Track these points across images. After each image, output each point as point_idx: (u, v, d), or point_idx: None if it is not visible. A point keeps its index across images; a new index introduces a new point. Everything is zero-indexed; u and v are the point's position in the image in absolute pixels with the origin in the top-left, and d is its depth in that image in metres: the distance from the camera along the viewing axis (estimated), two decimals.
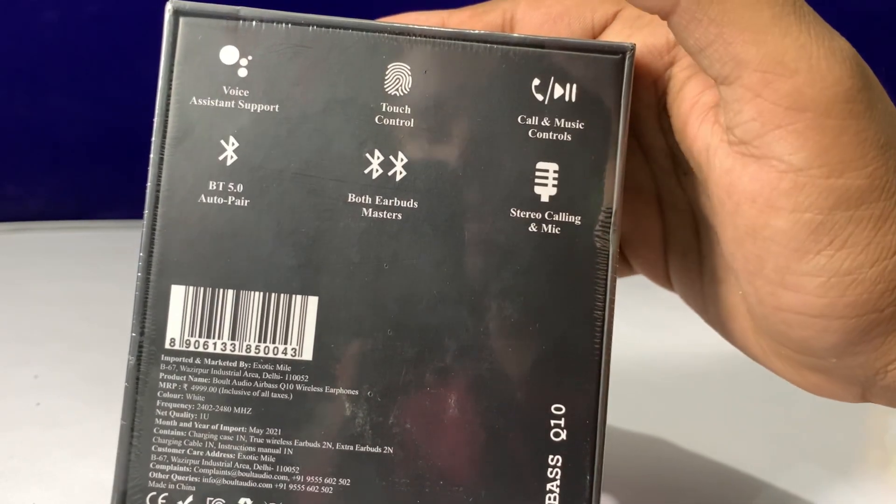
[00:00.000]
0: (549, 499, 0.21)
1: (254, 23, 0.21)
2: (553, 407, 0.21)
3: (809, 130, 0.18)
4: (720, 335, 0.24)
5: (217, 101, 0.21)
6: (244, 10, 0.21)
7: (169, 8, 0.21)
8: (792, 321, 0.20)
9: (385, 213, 0.21)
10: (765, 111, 0.18)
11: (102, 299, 0.41)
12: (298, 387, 0.21)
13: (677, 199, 0.24)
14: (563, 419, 0.21)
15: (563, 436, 0.21)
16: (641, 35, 0.22)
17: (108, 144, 0.51)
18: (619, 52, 0.21)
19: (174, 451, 0.21)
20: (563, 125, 0.21)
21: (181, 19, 0.21)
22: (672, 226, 0.25)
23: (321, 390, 0.21)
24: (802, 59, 0.18)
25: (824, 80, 0.18)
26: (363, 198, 0.21)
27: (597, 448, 0.21)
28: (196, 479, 0.20)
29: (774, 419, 0.34)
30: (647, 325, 0.42)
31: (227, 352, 0.21)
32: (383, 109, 0.21)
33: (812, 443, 0.32)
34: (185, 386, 0.21)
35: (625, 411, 0.30)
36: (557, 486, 0.21)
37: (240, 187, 0.21)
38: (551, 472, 0.21)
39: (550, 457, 0.21)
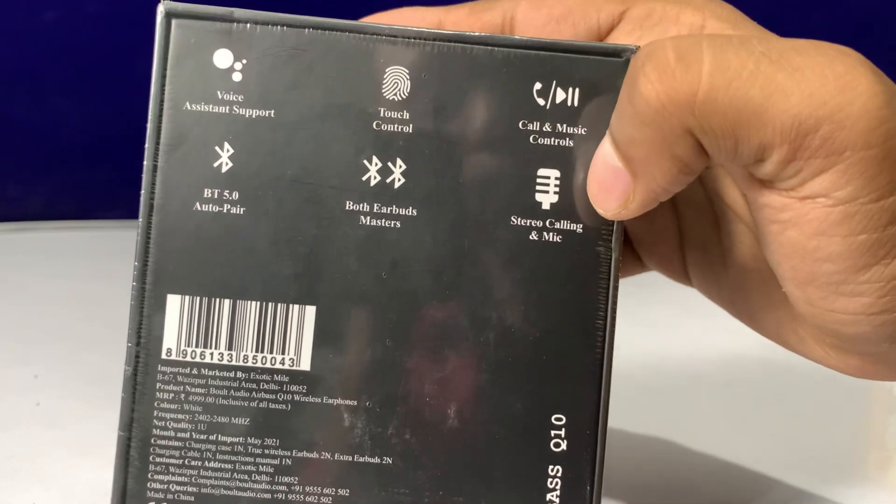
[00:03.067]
0: None
1: (248, 25, 0.20)
2: (553, 417, 0.21)
3: (853, 167, 0.17)
4: (748, 325, 0.24)
5: (211, 106, 0.20)
6: (238, 12, 0.20)
7: (161, 10, 0.20)
8: (847, 321, 0.19)
9: (383, 220, 0.21)
10: (804, 166, 0.17)
11: (102, 299, 0.41)
12: (297, 397, 0.20)
13: (694, 193, 0.24)
14: (563, 429, 0.21)
15: (564, 446, 0.21)
16: (651, 35, 0.22)
17: (108, 144, 0.51)
18: (622, 55, 0.20)
19: (172, 461, 0.20)
20: (565, 130, 0.21)
21: (173, 21, 0.20)
22: (689, 221, 0.24)
23: (319, 401, 0.20)
24: (819, 108, 0.17)
25: (850, 116, 0.17)
26: (361, 205, 0.20)
27: (597, 458, 0.21)
28: (195, 490, 0.20)
29: (774, 420, 0.34)
30: (647, 325, 0.42)
31: (225, 362, 0.20)
32: (381, 115, 0.20)
33: (812, 443, 0.32)
34: (183, 396, 0.20)
35: (624, 412, 0.30)
36: (557, 497, 0.20)
37: (235, 195, 0.20)
38: (551, 483, 0.21)
39: (551, 467, 0.21)
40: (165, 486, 0.20)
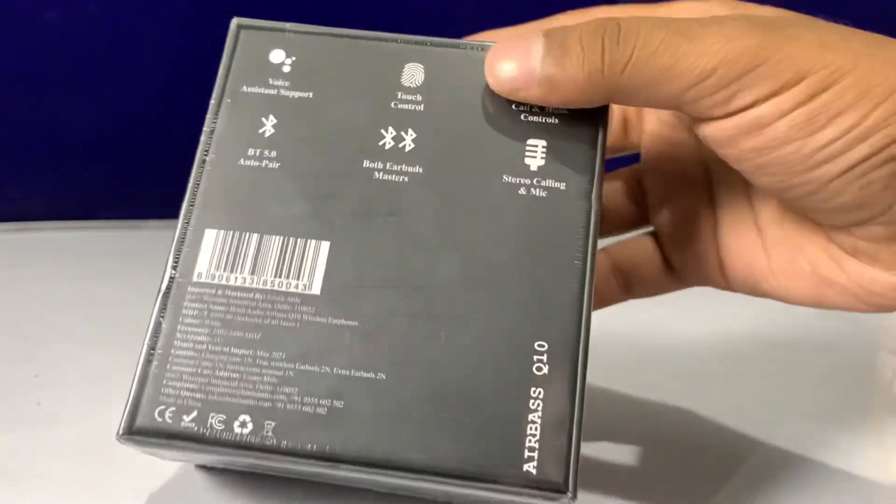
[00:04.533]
0: (531, 429, 0.22)
1: (298, 34, 0.26)
2: (536, 343, 0.22)
3: (756, 79, 0.22)
4: (782, 298, 0.27)
5: (263, 89, 0.25)
6: (289, 26, 0.26)
7: (234, 23, 0.26)
8: (839, 187, 0.22)
9: (394, 176, 0.24)
10: (718, 99, 0.22)
11: (103, 299, 0.41)
12: (305, 316, 0.23)
13: (730, 174, 0.27)
14: (545, 355, 0.22)
15: (545, 370, 0.22)
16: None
17: (108, 145, 0.51)
18: None
19: (187, 369, 0.22)
20: (551, 111, 0.24)
21: (241, 31, 0.26)
22: (725, 201, 0.28)
23: (325, 320, 0.23)
24: (709, 60, 0.22)
25: (734, 57, 0.22)
26: (376, 163, 0.24)
27: (577, 384, 0.22)
28: (202, 396, 0.22)
29: (773, 418, 0.34)
30: (647, 325, 0.42)
31: (247, 284, 0.23)
32: (398, 97, 0.25)
33: (812, 442, 0.32)
34: (206, 312, 0.23)
35: (616, 375, 0.30)
36: (539, 417, 0.22)
37: (273, 153, 0.24)
38: (533, 404, 0.22)
39: (533, 389, 0.22)
40: (177, 391, 0.22)
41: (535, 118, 0.24)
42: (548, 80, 0.23)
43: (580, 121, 0.24)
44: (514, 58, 0.23)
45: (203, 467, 0.27)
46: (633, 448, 0.30)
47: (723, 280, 0.28)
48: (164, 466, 0.27)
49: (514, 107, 0.24)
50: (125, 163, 0.52)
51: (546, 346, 0.22)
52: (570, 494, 0.21)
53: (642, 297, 0.31)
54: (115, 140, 0.51)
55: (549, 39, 0.23)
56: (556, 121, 0.24)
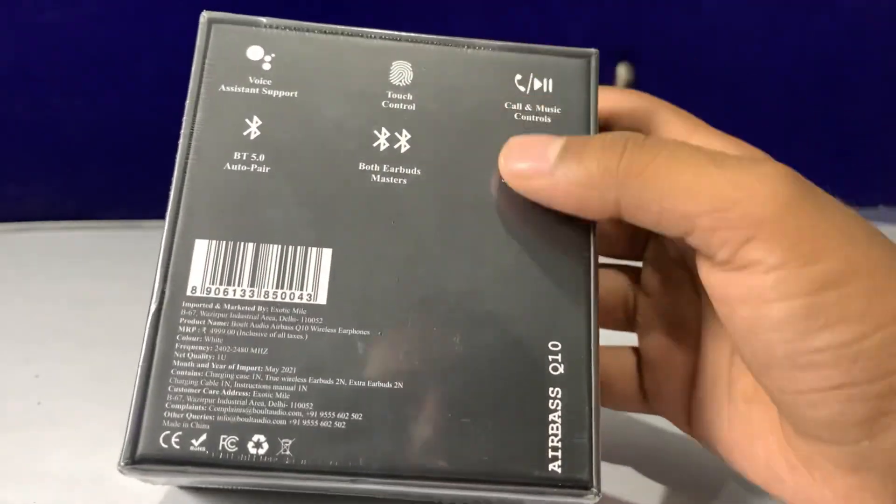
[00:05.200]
0: (552, 428, 0.22)
1: (275, 29, 0.24)
2: (550, 343, 0.22)
3: (774, 235, 0.20)
4: (746, 473, 0.24)
5: (243, 87, 0.24)
6: (265, 20, 0.24)
7: (203, 17, 0.24)
8: (816, 401, 0.20)
9: (392, 178, 0.23)
10: (730, 237, 0.20)
11: (102, 299, 0.41)
12: (314, 328, 0.22)
13: (720, 327, 0.25)
14: (559, 354, 0.22)
15: (561, 369, 0.22)
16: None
17: (108, 145, 0.51)
18: (585, 56, 0.25)
19: (190, 391, 0.21)
20: (542, 110, 0.24)
21: (213, 26, 0.24)
22: (709, 356, 0.26)
23: (335, 331, 0.22)
24: (736, 190, 0.20)
25: (764, 197, 0.20)
26: (372, 166, 0.23)
27: (592, 379, 0.22)
28: (210, 418, 0.21)
29: None
30: None
31: (247, 297, 0.22)
32: (389, 96, 0.24)
33: None
34: (204, 329, 0.22)
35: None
36: (559, 416, 0.22)
37: (262, 157, 0.23)
38: (552, 403, 0.22)
39: (551, 389, 0.22)
40: (182, 414, 0.21)
41: (529, 117, 0.24)
42: (562, 172, 0.22)
43: (571, 119, 0.24)
44: (531, 151, 0.23)
45: (190, 488, 0.26)
46: (634, 445, 0.30)
47: (687, 427, 0.27)
48: None
49: (506, 105, 0.24)
50: (125, 163, 0.52)
51: (560, 345, 0.22)
52: (594, 490, 0.21)
53: (607, 407, 0.28)
54: (114, 140, 0.51)
55: (570, 139, 0.22)
56: (549, 120, 0.24)
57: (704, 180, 0.20)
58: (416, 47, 0.25)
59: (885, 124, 0.58)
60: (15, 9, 0.45)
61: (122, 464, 0.21)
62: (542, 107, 0.24)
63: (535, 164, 0.22)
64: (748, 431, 0.24)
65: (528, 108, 0.24)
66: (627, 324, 0.29)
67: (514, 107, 0.24)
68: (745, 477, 0.25)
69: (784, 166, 0.21)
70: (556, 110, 0.24)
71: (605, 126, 0.26)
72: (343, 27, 0.25)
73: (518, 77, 0.25)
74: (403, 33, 0.25)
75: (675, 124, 0.25)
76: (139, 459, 0.21)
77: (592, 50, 0.25)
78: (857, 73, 0.55)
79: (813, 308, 0.20)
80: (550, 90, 0.25)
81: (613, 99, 0.26)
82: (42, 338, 0.36)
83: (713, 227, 0.20)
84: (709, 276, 0.22)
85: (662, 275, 0.28)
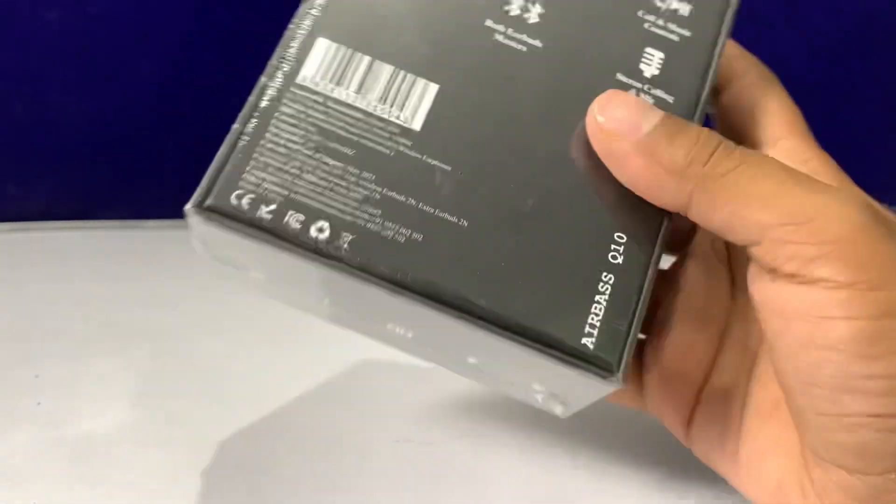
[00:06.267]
0: (595, 308, 0.22)
1: None
2: (616, 234, 0.23)
3: (845, 254, 0.20)
4: (749, 492, 0.24)
5: None
6: None
7: None
8: (855, 425, 0.20)
9: (513, 42, 0.24)
10: (800, 251, 0.20)
11: (102, 299, 0.41)
12: (402, 148, 0.23)
13: (739, 345, 0.25)
14: (622, 246, 0.23)
15: (620, 259, 0.23)
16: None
17: (108, 145, 0.51)
18: None
19: (273, 162, 0.22)
20: (673, 28, 0.25)
21: None
22: (729, 363, 0.26)
23: (420, 157, 0.23)
24: (813, 208, 0.20)
25: (839, 218, 0.20)
26: (499, 26, 0.24)
27: (647, 281, 0.23)
28: (285, 192, 0.22)
29: None
30: None
31: (350, 101, 0.23)
32: None
33: None
34: (304, 115, 0.23)
35: None
36: (605, 300, 0.22)
37: None
38: (602, 287, 0.22)
39: (605, 273, 0.22)
40: (260, 181, 0.22)
41: (659, 31, 0.25)
42: (649, 145, 0.22)
43: (696, 47, 0.25)
44: (627, 110, 0.22)
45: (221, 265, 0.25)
46: (633, 436, 0.30)
47: (686, 438, 0.26)
48: (164, 467, 0.27)
49: (640, 14, 0.25)
50: (125, 163, 0.52)
51: (625, 238, 0.23)
52: (619, 376, 0.21)
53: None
54: (115, 140, 0.51)
55: (669, 117, 0.22)
56: (677, 38, 0.25)
57: (782, 193, 0.21)
58: None
59: (885, 124, 0.58)
60: (15, 8, 0.45)
61: (191, 206, 0.21)
62: (674, 25, 0.25)
63: (626, 124, 0.22)
64: (760, 448, 0.24)
65: (659, 22, 0.25)
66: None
67: (647, 17, 0.25)
68: (746, 496, 0.24)
69: (861, 192, 0.22)
70: (686, 33, 0.25)
71: (722, 80, 0.27)
72: None
73: None
74: None
75: (776, 120, 0.25)
76: (207, 207, 0.21)
77: None
78: (857, 73, 0.55)
79: (875, 332, 0.20)
80: (686, 13, 0.25)
81: (738, 56, 0.26)
82: (42, 338, 0.36)
83: (784, 240, 0.20)
84: (767, 287, 0.21)
85: (703, 271, 0.27)
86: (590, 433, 0.24)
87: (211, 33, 0.46)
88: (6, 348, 0.35)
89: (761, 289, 0.22)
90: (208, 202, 0.21)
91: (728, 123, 0.26)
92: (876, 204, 0.22)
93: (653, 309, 0.28)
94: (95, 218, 0.52)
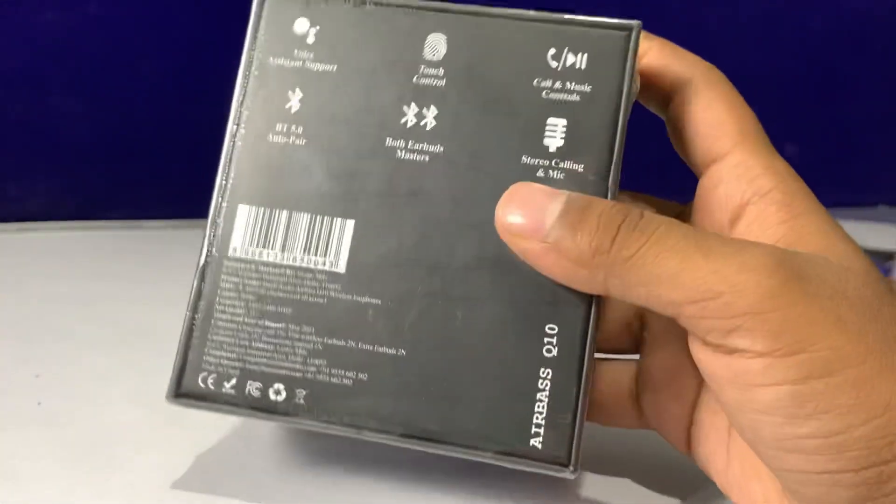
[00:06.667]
0: (538, 407, 0.23)
1: (321, 1, 0.26)
2: (547, 326, 0.23)
3: (757, 325, 0.20)
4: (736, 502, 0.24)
5: (289, 60, 0.25)
6: None
7: None
8: (802, 480, 0.21)
9: (415, 155, 0.25)
10: (715, 325, 0.21)
11: (103, 299, 0.41)
12: (332, 293, 0.24)
13: None
14: (555, 337, 0.23)
15: (555, 352, 0.23)
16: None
17: (108, 145, 0.51)
18: (627, 30, 0.24)
19: (226, 339, 0.24)
20: (572, 88, 0.24)
21: (266, 1, 0.26)
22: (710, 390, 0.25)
23: (350, 297, 0.24)
24: (720, 281, 0.20)
25: (746, 289, 0.20)
26: (398, 142, 0.25)
27: (584, 366, 0.23)
28: (240, 365, 0.24)
29: None
30: None
31: (279, 261, 0.24)
32: (421, 71, 0.25)
33: None
34: (242, 286, 0.24)
35: None
36: (546, 396, 0.23)
37: (300, 129, 0.25)
38: (542, 384, 0.23)
39: (542, 369, 0.23)
40: (218, 360, 0.24)
41: (557, 95, 0.24)
42: (555, 242, 0.22)
43: (600, 99, 0.24)
44: (528, 207, 0.22)
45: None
46: (632, 436, 0.30)
47: (687, 450, 0.26)
48: (164, 467, 0.27)
49: (535, 83, 0.24)
50: (125, 163, 0.52)
51: (556, 329, 0.23)
52: (571, 468, 0.23)
53: (596, 422, 0.28)
54: (115, 140, 0.51)
55: (570, 202, 0.22)
56: (577, 98, 0.24)
57: (689, 268, 0.21)
58: (453, 17, 0.25)
59: (885, 124, 0.58)
60: (16, 8, 0.45)
61: (168, 396, 0.24)
62: (573, 84, 0.24)
63: (529, 223, 0.22)
64: (746, 470, 0.24)
65: (557, 85, 0.24)
66: (631, 343, 0.28)
67: (543, 84, 0.24)
68: None
69: (774, 251, 0.21)
70: (587, 88, 0.24)
71: (645, 85, 0.25)
72: None
73: (552, 52, 0.24)
74: (441, 3, 0.25)
75: (723, 132, 0.24)
76: (181, 394, 0.24)
77: (635, 22, 0.24)
78: (856, 73, 0.55)
79: (800, 396, 0.20)
80: (584, 66, 0.24)
81: (657, 56, 0.25)
82: (43, 337, 0.36)
83: (699, 316, 0.21)
84: (699, 352, 0.22)
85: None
86: (590, 433, 0.24)
87: (211, 34, 0.46)
88: (7, 348, 0.35)
89: (696, 353, 0.22)
90: (181, 389, 0.24)
91: (677, 137, 0.26)
92: (801, 247, 0.22)
93: (640, 332, 0.28)
94: (96, 218, 0.52)
